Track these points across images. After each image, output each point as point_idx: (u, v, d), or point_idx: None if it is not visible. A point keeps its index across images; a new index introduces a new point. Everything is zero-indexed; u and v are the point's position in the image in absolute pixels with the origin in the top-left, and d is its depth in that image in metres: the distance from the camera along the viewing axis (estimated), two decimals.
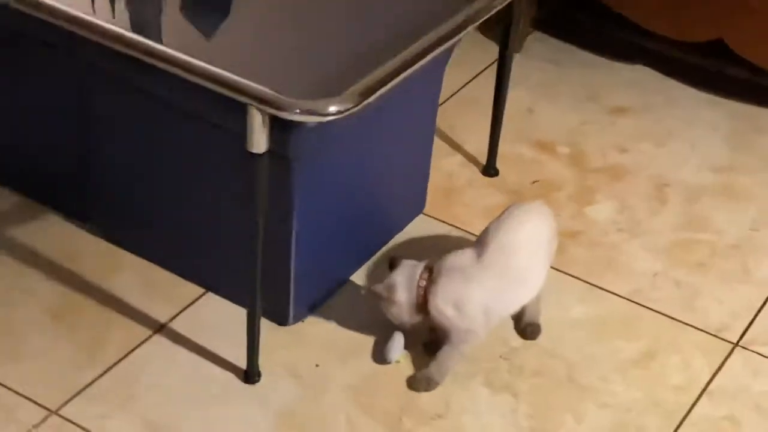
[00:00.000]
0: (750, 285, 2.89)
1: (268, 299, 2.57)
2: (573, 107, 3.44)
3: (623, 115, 3.43)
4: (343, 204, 2.70)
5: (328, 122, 2.19)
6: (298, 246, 2.59)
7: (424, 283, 2.53)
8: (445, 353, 2.57)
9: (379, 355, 2.62)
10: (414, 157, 2.94)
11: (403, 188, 2.93)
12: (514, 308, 2.63)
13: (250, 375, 2.55)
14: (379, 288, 2.55)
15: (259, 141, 2.19)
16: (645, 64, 3.61)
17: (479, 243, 2.58)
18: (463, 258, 2.56)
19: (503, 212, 2.63)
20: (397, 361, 2.60)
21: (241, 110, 2.20)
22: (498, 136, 3.15)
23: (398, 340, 2.62)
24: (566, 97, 3.48)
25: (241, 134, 2.23)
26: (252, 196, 2.31)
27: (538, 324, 2.72)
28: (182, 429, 2.43)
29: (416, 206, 3.02)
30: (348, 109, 2.15)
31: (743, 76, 3.48)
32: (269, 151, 2.27)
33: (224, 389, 2.53)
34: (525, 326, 2.70)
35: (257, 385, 2.54)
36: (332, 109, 2.13)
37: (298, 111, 2.13)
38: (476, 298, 2.52)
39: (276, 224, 2.50)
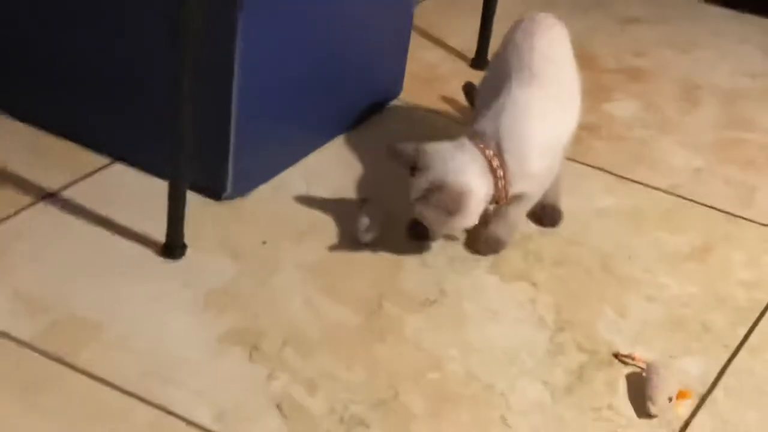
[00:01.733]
0: None
1: (200, 167, 1.89)
2: (574, 14, 2.82)
3: (636, 24, 2.84)
4: (303, 47, 2.03)
5: None
6: (242, 92, 1.92)
7: (497, 163, 1.86)
8: (514, 208, 1.93)
9: (348, 235, 1.94)
10: (390, 19, 2.29)
11: (377, 55, 2.26)
12: (572, 130, 1.98)
13: (171, 248, 1.84)
14: (439, 198, 1.83)
15: None
16: None
17: (514, 71, 1.93)
18: (521, 98, 1.90)
19: (517, 31, 2.00)
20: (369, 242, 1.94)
21: None
22: (491, 24, 2.53)
23: (371, 217, 1.94)
24: (566, 4, 2.87)
25: None
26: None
27: (558, 207, 2.06)
28: (72, 304, 1.71)
29: (392, 87, 2.36)
30: None
31: None
32: None
33: (134, 263, 1.82)
34: (544, 210, 2.03)
35: (181, 260, 1.84)
36: None
37: None
38: (552, 131, 1.92)
39: (213, 60, 1.85)
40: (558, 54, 2.01)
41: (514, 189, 1.89)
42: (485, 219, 1.93)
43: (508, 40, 2.02)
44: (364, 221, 1.92)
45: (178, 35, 1.71)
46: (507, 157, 1.87)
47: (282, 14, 1.95)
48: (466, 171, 1.85)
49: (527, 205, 1.96)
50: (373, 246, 1.91)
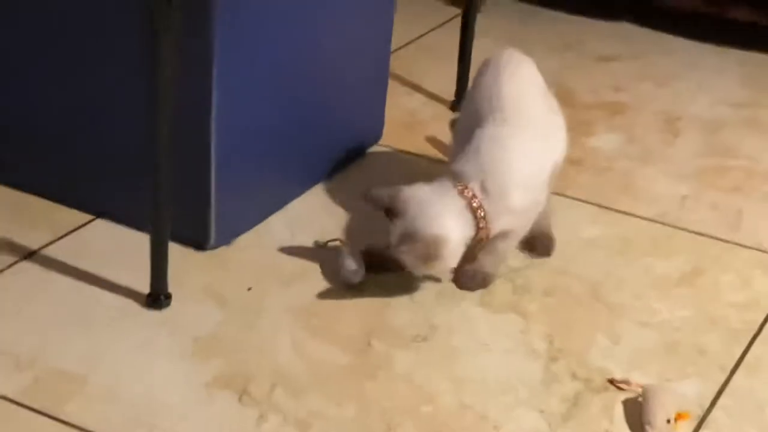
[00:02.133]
0: None
1: (182, 218, 1.89)
2: (550, 55, 2.82)
3: (612, 61, 2.84)
4: (280, 94, 2.01)
5: None
6: (220, 142, 1.91)
7: (477, 202, 1.85)
8: (501, 241, 1.90)
9: (334, 278, 1.92)
10: (367, 64, 2.29)
11: (355, 100, 2.25)
12: (557, 159, 1.98)
13: (155, 298, 1.82)
14: (413, 247, 1.80)
15: None
16: (628, 21, 3.05)
17: (487, 111, 1.93)
18: (497, 137, 1.90)
19: (486, 70, 2.01)
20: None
21: None
22: (468, 66, 2.53)
23: (355, 258, 1.92)
24: (540, 46, 2.86)
25: None
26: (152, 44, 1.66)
27: (551, 236, 2.05)
28: (56, 358, 1.68)
29: (372, 132, 2.35)
30: None
31: (745, 17, 2.93)
32: None
33: (118, 315, 1.79)
34: (536, 239, 2.02)
35: (166, 310, 1.81)
36: None
37: None
38: (533, 165, 1.90)
39: (190, 112, 1.85)
40: (529, 90, 2.01)
41: (499, 226, 1.87)
42: (472, 254, 1.91)
43: (478, 80, 2.02)
44: (350, 263, 1.91)
45: (154, 87, 1.71)
46: (489, 195, 1.85)
47: (257, 63, 1.94)
48: (441, 216, 1.83)
49: (514, 240, 1.94)
50: (361, 287, 1.90)
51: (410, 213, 1.84)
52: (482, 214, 1.84)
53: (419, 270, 1.87)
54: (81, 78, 1.97)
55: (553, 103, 2.05)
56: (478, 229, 1.85)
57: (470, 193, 1.85)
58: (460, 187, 1.86)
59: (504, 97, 1.96)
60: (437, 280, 1.92)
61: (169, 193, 1.78)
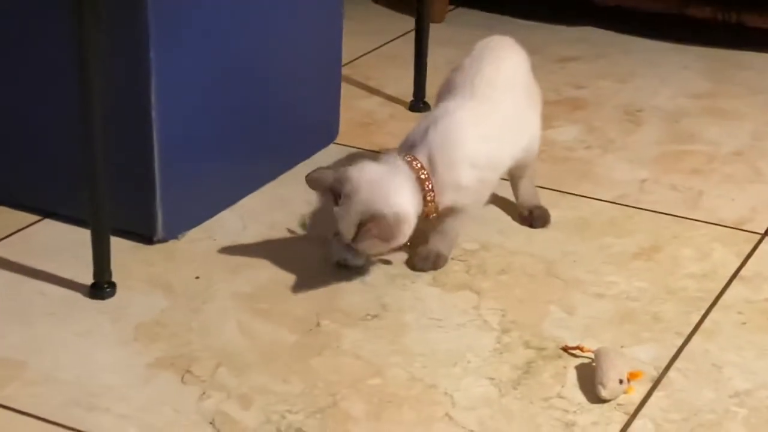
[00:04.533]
0: (765, 184, 2.24)
1: (130, 211, 1.89)
2: None
3: (574, 61, 2.83)
4: (225, 89, 1.99)
5: None
6: (163, 133, 1.88)
7: (425, 174, 1.82)
8: (452, 220, 1.88)
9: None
10: (320, 61, 2.25)
11: (308, 96, 2.23)
12: (517, 151, 1.94)
13: (98, 286, 1.78)
14: (373, 227, 1.76)
15: None
16: (591, 25, 3.04)
17: (457, 86, 1.92)
18: (453, 108, 1.88)
19: (473, 51, 1.98)
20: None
21: None
22: (424, 72, 2.52)
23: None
24: None
25: None
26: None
27: (542, 206, 2.05)
28: None
29: (328, 130, 2.33)
30: None
31: (705, 14, 2.92)
32: None
33: (61, 306, 1.76)
34: (529, 212, 2.03)
35: (110, 299, 1.78)
36: None
37: None
38: (484, 143, 1.86)
39: (130, 106, 1.86)
40: (508, 73, 1.98)
41: (446, 200, 1.85)
42: (420, 231, 1.88)
43: (464, 59, 1.99)
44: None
45: (82, 80, 1.70)
46: (438, 167, 1.83)
47: (199, 60, 1.93)
48: (397, 193, 1.80)
49: (465, 218, 1.91)
50: (310, 272, 1.86)
51: (363, 192, 1.80)
52: (429, 186, 1.82)
53: (374, 251, 1.83)
54: (16, 80, 1.95)
55: (535, 100, 2.04)
56: (425, 202, 1.83)
57: (418, 165, 1.83)
58: (408, 158, 1.83)
59: (479, 72, 1.93)
60: (388, 262, 1.90)
61: (105, 178, 1.74)
